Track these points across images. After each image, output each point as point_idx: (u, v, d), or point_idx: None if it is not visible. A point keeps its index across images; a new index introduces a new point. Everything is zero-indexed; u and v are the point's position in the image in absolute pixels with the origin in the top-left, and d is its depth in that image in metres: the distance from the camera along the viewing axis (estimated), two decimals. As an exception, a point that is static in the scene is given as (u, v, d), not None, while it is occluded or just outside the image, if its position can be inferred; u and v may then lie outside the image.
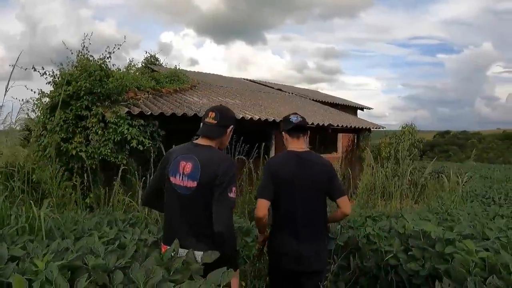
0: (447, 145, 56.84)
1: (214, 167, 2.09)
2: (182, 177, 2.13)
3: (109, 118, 6.32)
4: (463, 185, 8.81)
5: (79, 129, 6.53)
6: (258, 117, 8.01)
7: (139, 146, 6.36)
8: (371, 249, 2.87)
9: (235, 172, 2.17)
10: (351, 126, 11.47)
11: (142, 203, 2.84)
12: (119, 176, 4.75)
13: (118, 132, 6.32)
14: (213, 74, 18.01)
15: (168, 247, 1.93)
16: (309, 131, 2.74)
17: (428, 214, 4.87)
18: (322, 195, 2.55)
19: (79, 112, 6.45)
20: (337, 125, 10.75)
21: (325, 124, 10.11)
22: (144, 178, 4.71)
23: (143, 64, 13.65)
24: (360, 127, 12.13)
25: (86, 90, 6.44)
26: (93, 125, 6.42)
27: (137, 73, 9.87)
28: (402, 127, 14.41)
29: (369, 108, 22.45)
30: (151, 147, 6.37)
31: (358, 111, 21.06)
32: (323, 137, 12.08)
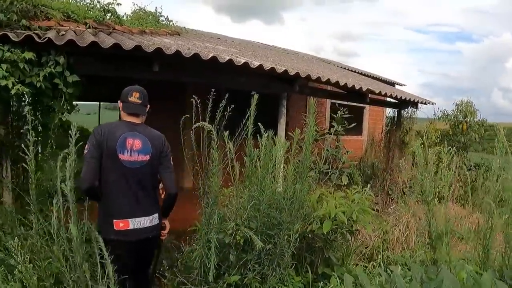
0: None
1: (160, 142, 2.57)
2: (131, 152, 2.44)
3: None
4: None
5: None
6: (258, 64, 4.62)
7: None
8: None
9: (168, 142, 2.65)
10: (396, 96, 7.99)
11: (86, 187, 2.40)
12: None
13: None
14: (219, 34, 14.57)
15: (124, 220, 2.42)
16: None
17: None
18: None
19: None
20: (379, 92, 7.29)
21: (362, 88, 6.68)
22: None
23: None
24: (406, 98, 8.59)
25: None
26: None
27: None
28: (457, 105, 10.86)
29: (401, 85, 18.81)
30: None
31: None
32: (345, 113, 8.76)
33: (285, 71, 4.92)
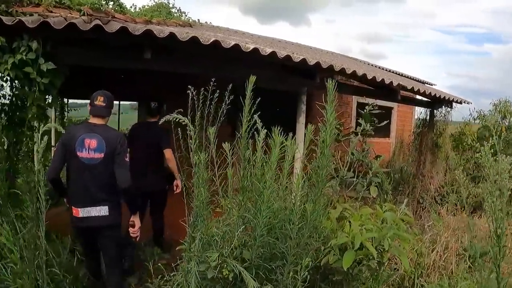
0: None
1: (114, 141, 2.81)
2: (89, 151, 2.78)
3: None
4: None
5: None
6: (270, 51, 3.89)
7: None
8: None
9: (126, 142, 2.90)
10: (430, 93, 7.08)
11: (51, 178, 2.87)
12: None
13: None
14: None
15: (77, 208, 2.79)
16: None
17: None
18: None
19: None
20: (411, 88, 6.42)
21: (393, 83, 5.84)
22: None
23: None
24: (440, 96, 7.63)
25: None
26: None
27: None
28: (495, 105, 9.79)
29: (431, 84, 17.61)
30: None
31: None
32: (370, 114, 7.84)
33: (303, 60, 4.17)
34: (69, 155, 2.83)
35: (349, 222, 2.41)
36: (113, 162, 2.79)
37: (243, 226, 1.94)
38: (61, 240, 3.99)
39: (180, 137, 2.42)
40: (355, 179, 3.87)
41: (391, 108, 12.41)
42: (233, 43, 3.57)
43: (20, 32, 3.08)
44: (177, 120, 2.01)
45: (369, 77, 5.38)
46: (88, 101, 3.07)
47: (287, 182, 2.10)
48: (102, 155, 2.79)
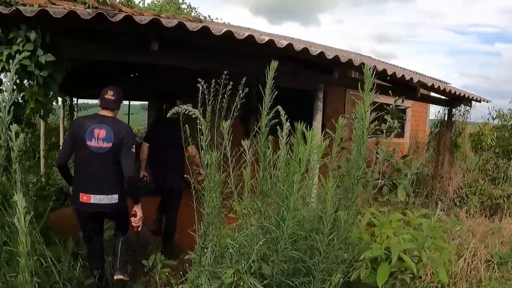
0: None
1: (122, 132, 2.93)
2: (98, 140, 2.88)
3: None
4: None
5: None
6: (286, 44, 3.59)
7: None
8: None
9: (134, 133, 3.20)
10: (450, 91, 6.72)
11: (59, 164, 3.08)
12: None
13: None
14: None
15: (87, 194, 2.88)
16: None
17: None
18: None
19: None
20: (432, 85, 6.07)
21: (413, 80, 5.51)
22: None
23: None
24: (460, 94, 7.24)
25: None
26: None
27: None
28: (515, 101, 9.38)
29: (446, 83, 17.10)
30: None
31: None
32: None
33: (321, 54, 3.87)
34: (78, 144, 2.93)
35: (380, 232, 2.10)
36: (119, 152, 2.91)
37: (264, 239, 1.63)
38: (64, 244, 3.77)
39: (189, 134, 2.17)
40: (380, 180, 3.55)
41: (405, 108, 12.04)
42: (246, 34, 3.29)
43: (18, 23, 2.85)
44: (186, 112, 1.73)
45: (389, 72, 5.06)
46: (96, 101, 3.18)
47: (311, 186, 1.80)
48: (110, 144, 2.90)
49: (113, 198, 2.94)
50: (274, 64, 1.91)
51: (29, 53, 2.75)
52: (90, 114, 3.16)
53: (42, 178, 7.02)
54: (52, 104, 3.26)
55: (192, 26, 3.09)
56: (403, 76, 5.31)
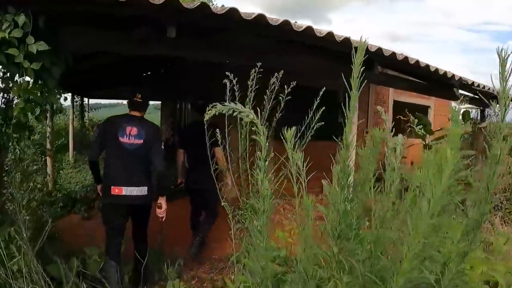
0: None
1: (152, 131, 3.11)
2: (130, 137, 3.01)
3: None
4: None
5: None
6: (326, 32, 2.99)
7: None
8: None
9: (161, 132, 3.56)
10: (488, 89, 6.04)
11: (92, 161, 3.27)
12: None
13: None
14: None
15: (119, 187, 2.98)
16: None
17: None
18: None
19: None
20: (472, 83, 5.40)
21: (455, 77, 4.87)
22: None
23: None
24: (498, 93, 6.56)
25: None
26: None
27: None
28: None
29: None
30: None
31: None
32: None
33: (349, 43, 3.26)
34: (110, 141, 3.05)
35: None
36: (150, 149, 3.03)
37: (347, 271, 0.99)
38: (67, 262, 3.27)
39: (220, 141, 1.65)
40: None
41: (427, 107, 11.35)
42: (281, 19, 2.70)
43: (5, 6, 2.29)
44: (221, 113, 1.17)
45: (432, 69, 4.43)
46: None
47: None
48: (141, 141, 3.04)
49: (143, 190, 3.06)
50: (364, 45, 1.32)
51: (17, 41, 2.19)
52: (120, 114, 3.27)
53: (49, 182, 6.53)
54: (53, 103, 2.72)
55: (217, 10, 2.51)
56: (445, 73, 4.68)
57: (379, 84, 4.49)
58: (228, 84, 2.02)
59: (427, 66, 4.32)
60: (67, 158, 8.76)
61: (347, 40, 3.13)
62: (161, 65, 10.80)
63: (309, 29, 2.84)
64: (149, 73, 11.76)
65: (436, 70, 4.51)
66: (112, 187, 3.00)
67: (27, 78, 2.47)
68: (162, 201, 3.15)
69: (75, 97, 9.86)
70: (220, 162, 3.89)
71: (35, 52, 2.19)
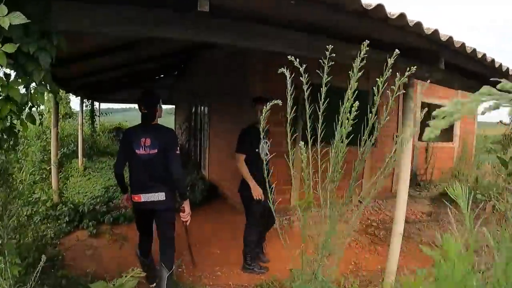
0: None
1: (165, 138, 3.09)
2: (145, 148, 3.09)
3: None
4: None
5: None
6: (398, 14, 2.27)
7: None
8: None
9: (177, 137, 3.26)
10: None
11: (117, 173, 3.32)
12: None
13: None
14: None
15: (138, 195, 3.13)
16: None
17: None
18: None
19: None
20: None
21: (509, 70, 4.09)
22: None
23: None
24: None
25: None
26: None
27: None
28: None
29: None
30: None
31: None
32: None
33: (435, 32, 2.54)
34: (129, 153, 3.15)
35: None
36: (165, 155, 3.04)
37: None
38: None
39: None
40: None
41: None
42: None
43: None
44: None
45: (496, 65, 3.69)
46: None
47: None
48: (156, 150, 3.08)
49: (160, 196, 3.13)
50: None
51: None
52: (136, 124, 3.29)
53: (54, 194, 5.86)
54: (41, 103, 2.03)
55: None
56: (507, 69, 3.93)
57: (441, 84, 3.65)
58: (288, 77, 1.43)
59: (493, 61, 3.58)
60: (76, 165, 8.13)
61: (418, 24, 2.41)
62: (175, 67, 10.18)
63: (380, 6, 2.12)
64: (161, 76, 11.15)
65: (500, 65, 3.76)
66: (133, 195, 3.20)
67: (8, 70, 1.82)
68: (185, 205, 3.20)
69: (84, 101, 9.25)
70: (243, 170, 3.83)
71: (6, 28, 1.49)
